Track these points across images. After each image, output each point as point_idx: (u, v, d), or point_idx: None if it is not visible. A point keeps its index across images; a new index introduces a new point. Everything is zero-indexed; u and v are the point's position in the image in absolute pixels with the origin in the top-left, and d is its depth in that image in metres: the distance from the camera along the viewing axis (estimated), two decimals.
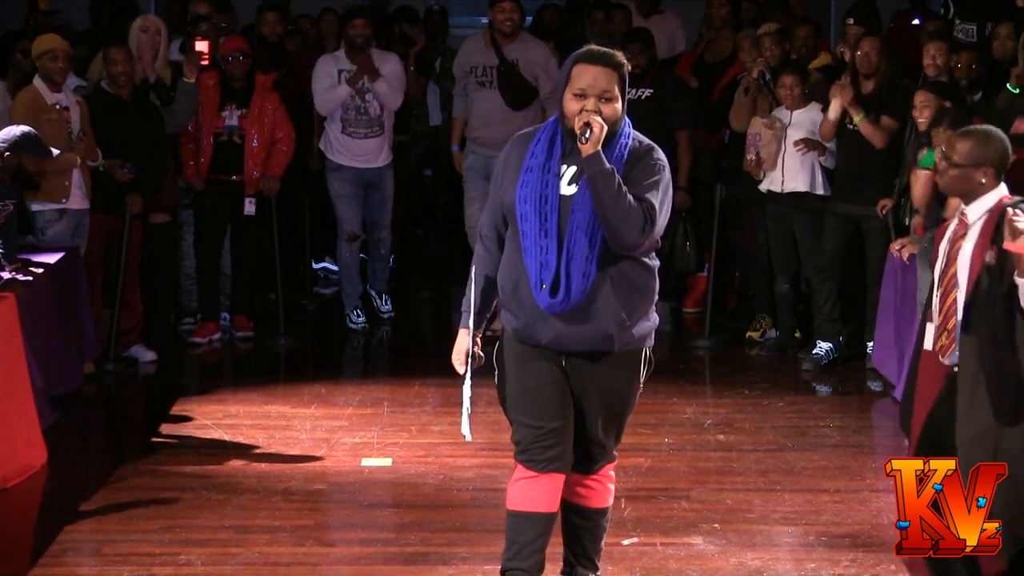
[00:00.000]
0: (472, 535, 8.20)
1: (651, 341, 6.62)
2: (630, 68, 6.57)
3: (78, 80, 11.97)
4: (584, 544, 6.80)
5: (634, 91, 12.14)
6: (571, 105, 6.30)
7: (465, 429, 6.60)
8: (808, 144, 11.40)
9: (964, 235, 6.79)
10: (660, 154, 6.53)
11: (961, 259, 6.80)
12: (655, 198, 6.31)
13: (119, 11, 14.12)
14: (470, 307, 6.57)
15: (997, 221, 6.57)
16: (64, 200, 10.95)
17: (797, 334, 12.14)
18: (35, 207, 10.79)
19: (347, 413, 10.56)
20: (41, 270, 10.17)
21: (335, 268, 13.80)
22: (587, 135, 6.13)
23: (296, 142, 12.57)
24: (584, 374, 6.46)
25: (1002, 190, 6.77)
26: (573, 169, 6.32)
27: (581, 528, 6.79)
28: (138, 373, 11.71)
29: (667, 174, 6.48)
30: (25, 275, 9.91)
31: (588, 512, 6.76)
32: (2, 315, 9.26)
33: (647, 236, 6.26)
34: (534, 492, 6.47)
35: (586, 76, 6.32)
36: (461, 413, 6.58)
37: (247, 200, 12.31)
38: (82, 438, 10.06)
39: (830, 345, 11.72)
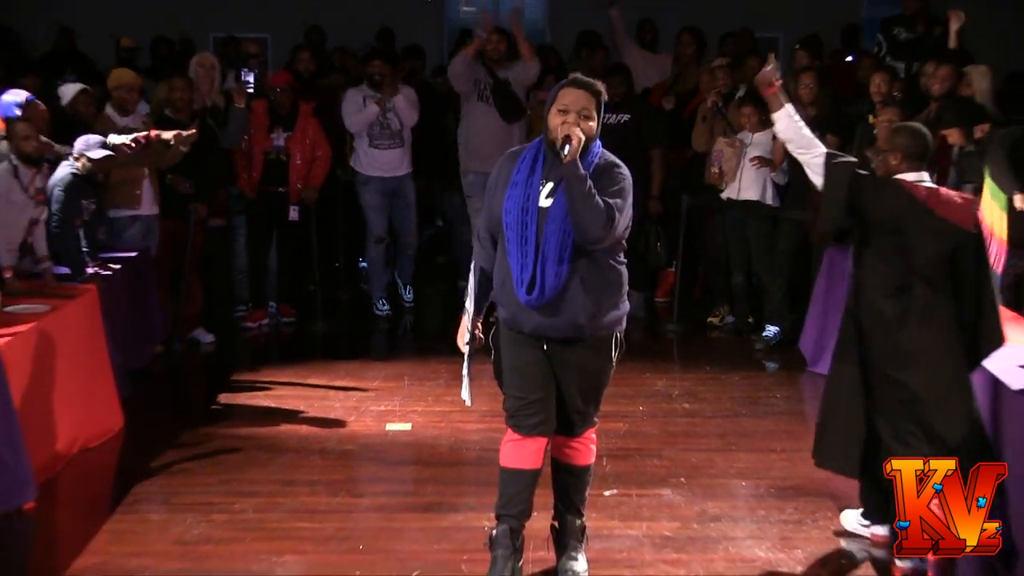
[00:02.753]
0: (478, 487, 8.20)
1: (622, 327, 6.66)
2: (607, 97, 6.57)
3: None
4: (571, 496, 6.88)
5: (614, 116, 12.20)
6: (554, 119, 6.33)
7: (465, 395, 6.75)
8: (762, 161, 11.47)
9: None
10: (623, 169, 6.52)
11: None
12: (616, 201, 6.33)
13: (179, 50, 14.13)
14: (473, 297, 6.71)
15: None
16: (136, 208, 10.98)
17: (750, 320, 12.17)
18: (112, 214, 10.80)
19: (374, 386, 10.59)
20: (118, 266, 10.24)
21: (366, 264, 13.77)
22: (568, 146, 6.18)
23: (330, 159, 12.58)
24: (561, 356, 6.53)
25: (921, 175, 7.07)
26: (551, 185, 6.34)
27: (569, 482, 6.86)
28: (199, 352, 11.72)
29: (628, 184, 6.48)
30: (105, 271, 9.99)
31: (574, 469, 6.83)
32: (86, 303, 9.32)
33: (608, 231, 6.27)
34: (521, 452, 6.59)
35: (569, 96, 6.37)
36: (463, 382, 6.71)
37: (291, 208, 12.35)
38: (152, 407, 10.08)
39: (778, 329, 11.78)
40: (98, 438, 9.14)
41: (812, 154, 7.24)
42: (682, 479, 8.46)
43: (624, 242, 6.55)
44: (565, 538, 6.91)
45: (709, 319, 12.50)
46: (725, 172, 11.79)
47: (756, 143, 11.54)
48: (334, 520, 7.79)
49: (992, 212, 8.72)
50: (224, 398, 10.37)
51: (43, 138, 9.30)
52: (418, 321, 13.23)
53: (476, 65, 12.49)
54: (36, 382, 8.30)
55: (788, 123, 7.33)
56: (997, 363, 7.37)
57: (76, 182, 9.70)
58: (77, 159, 9.76)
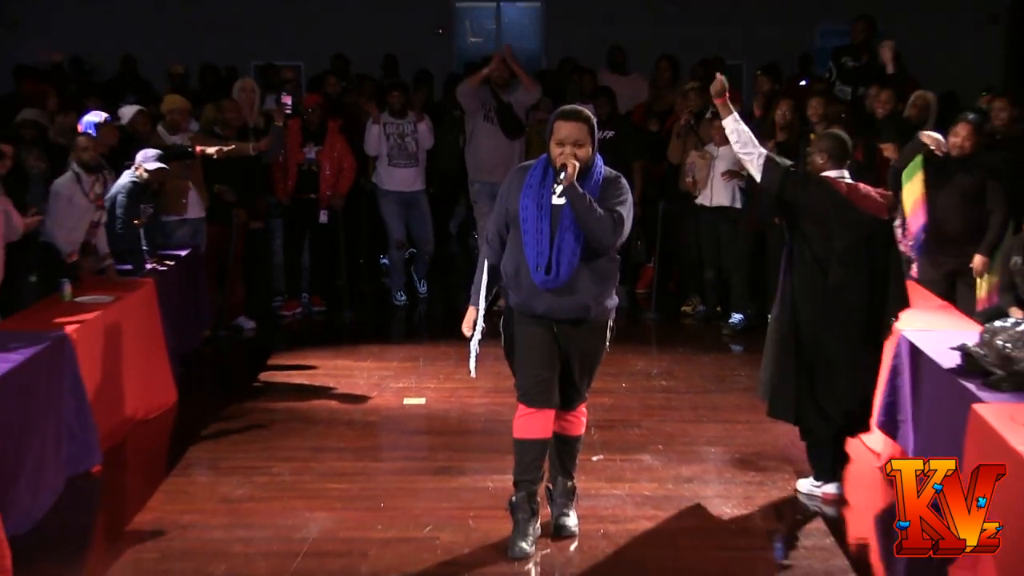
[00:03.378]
0: (483, 454, 8.23)
1: (613, 315, 6.74)
2: (596, 117, 6.63)
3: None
4: (564, 461, 6.93)
5: (600, 132, 12.13)
6: (554, 150, 6.40)
7: (472, 366, 6.75)
8: (730, 174, 11.47)
9: None
10: (624, 181, 6.61)
11: None
12: (621, 210, 6.43)
13: (224, 76, 14.14)
14: (479, 290, 6.74)
15: None
16: (183, 213, 11.00)
17: (718, 308, 12.16)
18: (164, 218, 10.83)
19: (393, 366, 10.60)
20: (172, 263, 10.26)
21: (387, 262, 13.74)
22: (563, 174, 6.26)
23: (355, 170, 12.59)
24: (568, 337, 6.57)
25: (842, 173, 7.46)
26: (560, 187, 6.37)
27: (563, 450, 6.90)
28: (242, 337, 11.73)
29: (629, 195, 6.58)
30: (161, 266, 10.02)
31: (568, 439, 6.88)
32: (145, 294, 9.36)
33: (617, 236, 6.41)
34: (534, 423, 6.60)
35: (563, 130, 6.40)
36: (469, 359, 6.73)
37: (321, 212, 12.35)
38: (201, 384, 10.10)
39: (742, 316, 11.78)
40: (155, 411, 9.18)
41: (753, 154, 7.59)
42: (659, 446, 8.49)
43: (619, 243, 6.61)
44: (558, 497, 6.96)
45: (683, 308, 12.49)
46: (697, 181, 11.80)
47: (723, 155, 11.53)
48: (359, 481, 7.82)
49: (910, 195, 9.03)
50: (263, 376, 10.38)
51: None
52: (431, 311, 13.22)
53: (483, 89, 12.49)
54: (102, 363, 8.33)
55: (734, 127, 7.66)
56: (931, 346, 7.44)
57: (135, 189, 9.74)
58: (136, 169, 9.80)
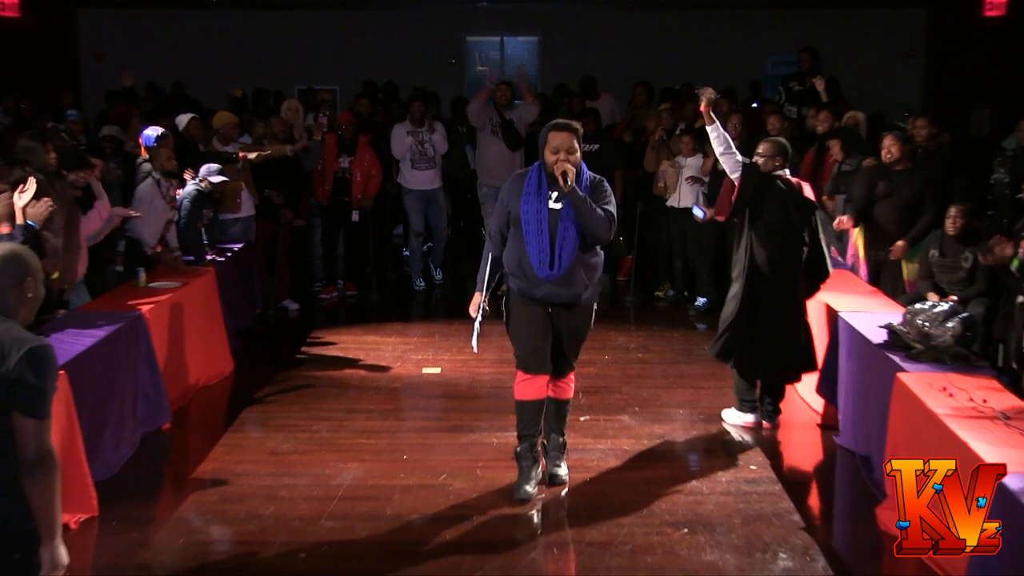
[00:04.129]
0: (489, 414, 8.22)
1: (598, 299, 6.79)
2: (583, 131, 6.64)
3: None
4: (557, 420, 6.95)
5: (587, 145, 12.20)
6: (549, 156, 6.41)
7: (474, 343, 6.73)
8: (693, 179, 11.45)
9: None
10: (607, 184, 6.63)
11: None
12: (611, 209, 6.48)
13: (272, 103, 14.11)
14: (484, 278, 6.73)
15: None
16: (237, 212, 10.98)
17: (686, 293, 12.13)
18: (221, 217, 10.80)
19: (413, 341, 10.58)
20: (229, 254, 10.25)
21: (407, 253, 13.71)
22: (566, 179, 6.27)
23: (381, 177, 12.57)
24: (561, 317, 6.61)
25: (786, 171, 7.88)
26: (556, 193, 6.43)
27: (556, 410, 6.92)
28: (287, 317, 11.71)
29: (612, 196, 6.62)
30: (220, 257, 10.01)
31: (560, 402, 6.91)
32: (206, 280, 9.35)
33: (613, 231, 6.46)
34: (532, 387, 6.63)
35: (556, 139, 6.43)
36: (473, 336, 6.73)
37: (353, 212, 12.31)
38: (253, 356, 10.08)
39: (705, 299, 11.73)
40: (215, 378, 9.17)
41: (733, 157, 7.91)
42: (636, 408, 8.47)
43: None
44: (552, 451, 6.98)
45: (656, 293, 12.45)
46: (668, 186, 11.78)
47: (689, 165, 11.51)
48: (384, 438, 7.81)
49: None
50: (305, 349, 10.37)
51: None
52: (445, 294, 13.20)
53: (488, 107, 12.47)
54: (171, 338, 8.33)
55: (717, 134, 7.93)
56: (862, 324, 7.45)
57: (199, 196, 9.70)
58: (201, 181, 9.78)
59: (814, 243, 7.83)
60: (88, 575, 5.87)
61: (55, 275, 7.47)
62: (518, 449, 6.77)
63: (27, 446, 3.81)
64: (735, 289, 7.92)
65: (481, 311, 6.72)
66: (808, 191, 7.92)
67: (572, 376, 6.95)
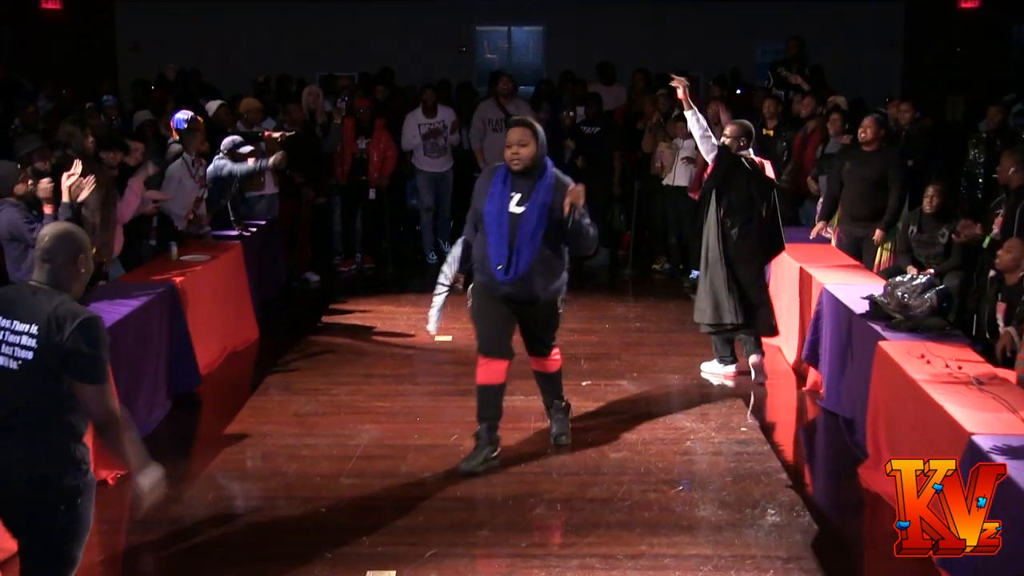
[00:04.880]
0: None
1: (563, 292, 6.53)
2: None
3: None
4: (552, 389, 6.88)
5: (589, 128, 12.18)
6: (506, 152, 6.24)
7: (432, 325, 6.76)
8: (688, 160, 11.36)
9: None
10: (569, 179, 6.34)
11: None
12: (586, 215, 6.27)
13: (295, 90, 14.03)
14: (454, 261, 6.63)
15: None
16: (261, 190, 10.93)
17: (680, 266, 12.05)
18: (247, 194, 10.77)
19: (427, 310, 10.51)
20: (255, 229, 10.21)
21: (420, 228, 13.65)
22: (573, 210, 6.10)
23: (396, 158, 12.51)
24: (523, 312, 6.45)
25: (749, 151, 8.02)
26: (519, 195, 6.19)
27: (548, 382, 6.85)
28: (309, 288, 11.68)
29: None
30: (246, 232, 9.97)
31: (549, 375, 6.83)
32: (234, 254, 9.32)
33: (597, 242, 6.46)
34: (491, 371, 6.50)
35: (510, 135, 6.23)
36: (432, 317, 6.79)
37: (371, 190, 12.27)
38: (277, 324, 10.04)
39: (698, 272, 11.70)
40: (241, 345, 9.14)
41: (708, 140, 8.11)
42: (634, 374, 8.43)
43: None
44: (555, 413, 6.91)
45: (653, 266, 12.38)
46: (664, 167, 11.72)
47: (685, 146, 11.40)
48: (399, 401, 7.78)
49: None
50: (326, 318, 10.32)
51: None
52: None
53: (492, 105, 12.38)
54: (201, 307, 8.29)
55: (694, 119, 8.11)
56: (845, 295, 7.43)
57: (224, 176, 9.72)
58: (226, 152, 9.78)
59: (771, 218, 8.00)
60: (125, 528, 5.88)
61: (93, 251, 7.45)
62: (478, 430, 6.57)
63: (92, 410, 3.90)
64: (714, 258, 7.97)
65: (451, 289, 6.61)
66: (769, 170, 8.16)
67: (556, 351, 6.78)
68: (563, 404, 6.94)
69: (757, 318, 8.04)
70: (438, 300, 6.74)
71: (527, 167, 6.18)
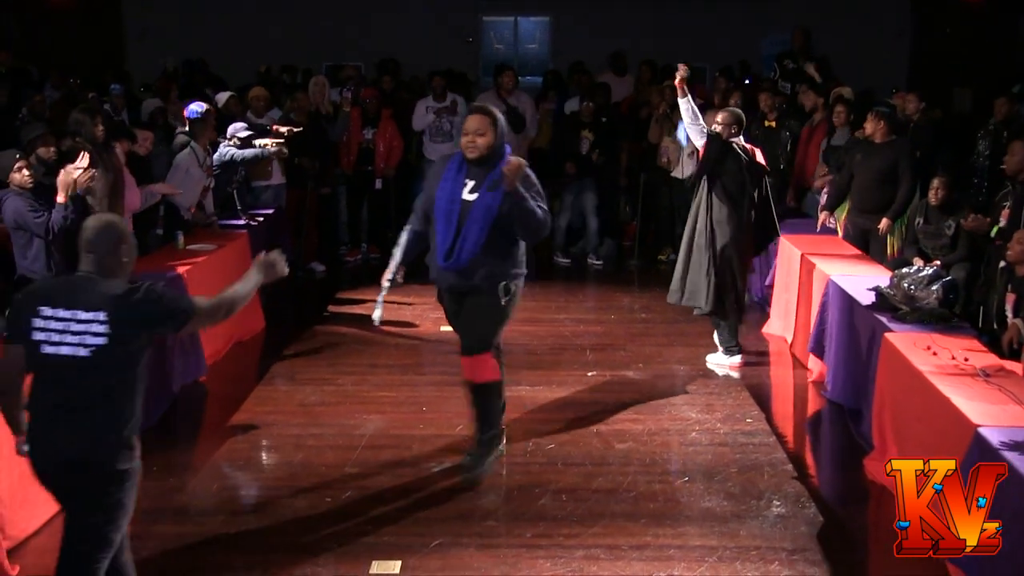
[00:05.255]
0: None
1: (516, 282, 6.09)
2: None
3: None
4: (479, 411, 6.34)
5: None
6: (462, 139, 5.94)
7: (376, 314, 6.38)
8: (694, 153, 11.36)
9: None
10: (533, 175, 5.99)
11: None
12: (544, 205, 5.92)
13: (300, 81, 14.01)
14: (400, 250, 6.30)
15: None
16: (268, 179, 10.93)
17: None
18: (253, 184, 10.78)
19: (431, 300, 10.30)
20: (261, 219, 10.20)
21: None
22: (510, 178, 5.72)
23: (403, 148, 12.50)
24: (465, 301, 6.11)
25: (740, 138, 8.11)
26: (472, 183, 5.87)
27: (476, 400, 6.35)
28: (315, 277, 11.68)
29: (539, 184, 6.00)
30: (252, 221, 9.96)
31: (476, 386, 6.28)
32: (240, 243, 9.31)
33: (548, 226, 5.95)
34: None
35: (468, 122, 5.93)
36: (376, 307, 6.37)
37: (377, 180, 12.26)
38: (283, 313, 10.02)
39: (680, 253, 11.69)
40: (247, 334, 9.13)
41: (698, 127, 8.20)
42: (640, 364, 8.42)
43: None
44: (475, 443, 6.34)
45: (659, 256, 12.35)
46: (671, 160, 11.72)
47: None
48: (405, 391, 7.78)
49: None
50: (331, 308, 10.31)
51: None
52: None
53: (493, 98, 12.35)
54: (207, 296, 8.28)
55: (686, 106, 8.20)
56: (852, 287, 7.42)
57: (229, 162, 9.71)
58: (230, 139, 9.78)
59: (764, 204, 8.17)
60: (131, 517, 5.86)
61: None
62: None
63: (209, 327, 4.44)
64: (701, 243, 8.13)
65: (392, 282, 6.26)
66: (760, 157, 8.21)
67: (485, 358, 6.16)
68: (490, 434, 6.29)
69: (726, 306, 8.19)
70: (381, 296, 6.37)
71: (483, 156, 5.88)
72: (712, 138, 8.05)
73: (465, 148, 5.91)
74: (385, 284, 6.26)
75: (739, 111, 8.36)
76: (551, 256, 12.19)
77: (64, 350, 3.94)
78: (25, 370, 4.05)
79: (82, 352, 3.93)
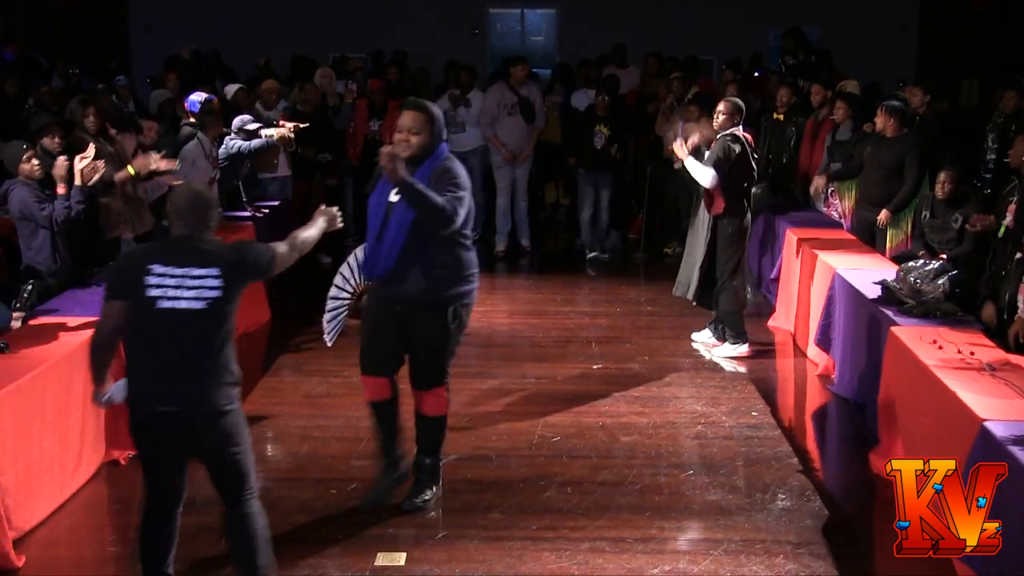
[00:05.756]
0: (506, 362, 8.21)
1: (462, 302, 5.55)
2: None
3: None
4: (420, 437, 5.84)
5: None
6: (395, 136, 5.53)
7: (327, 339, 5.98)
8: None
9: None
10: (455, 172, 5.42)
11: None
12: (458, 194, 5.31)
13: (306, 66, 14.00)
14: (358, 267, 5.94)
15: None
16: (274, 172, 10.93)
17: None
18: (259, 176, 10.79)
19: None
20: (267, 210, 10.20)
21: None
22: (392, 165, 5.19)
23: None
24: (408, 319, 5.50)
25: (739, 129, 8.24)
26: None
27: (418, 426, 5.82)
28: (321, 268, 11.65)
29: (461, 180, 5.41)
30: (258, 213, 9.97)
31: (420, 416, 5.78)
32: (246, 235, 9.26)
33: (453, 217, 5.27)
34: (369, 387, 5.75)
35: (402, 119, 5.51)
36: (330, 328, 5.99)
37: None
38: (289, 305, 10.00)
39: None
40: (254, 326, 9.12)
41: (707, 172, 8.07)
42: (645, 357, 8.42)
43: (465, 231, 5.49)
44: (418, 473, 5.83)
45: (665, 249, 12.33)
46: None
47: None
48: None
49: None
50: None
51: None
52: None
53: (504, 89, 12.31)
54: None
55: (691, 164, 8.20)
56: (858, 280, 7.42)
57: (236, 155, 9.70)
58: (237, 131, 9.78)
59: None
60: (136, 507, 5.87)
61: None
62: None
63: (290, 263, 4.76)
64: (694, 229, 8.45)
65: (354, 295, 5.93)
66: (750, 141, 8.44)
67: (440, 391, 5.69)
68: (431, 463, 5.84)
69: (716, 299, 8.37)
70: (334, 305, 6.01)
71: (414, 155, 5.42)
72: (722, 162, 8.05)
73: (397, 146, 5.46)
74: (340, 299, 5.95)
75: (739, 102, 8.41)
76: (583, 253, 12.08)
77: (182, 304, 4.28)
78: (121, 327, 4.37)
79: (198, 305, 4.29)
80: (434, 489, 5.80)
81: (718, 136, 8.25)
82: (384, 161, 5.21)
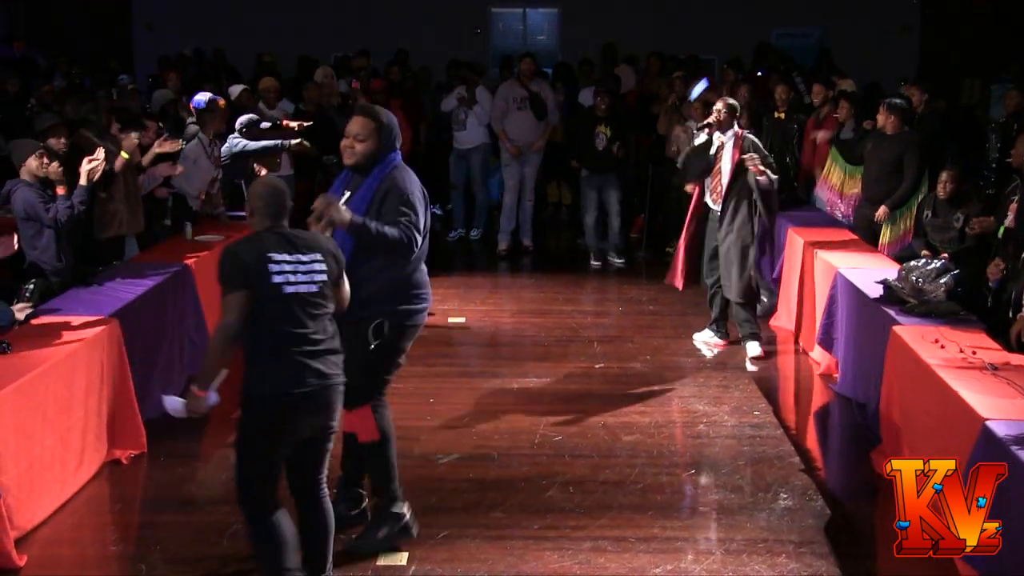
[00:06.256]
0: (509, 361, 8.21)
1: (398, 320, 5.18)
2: (392, 121, 5.17)
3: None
4: (374, 476, 5.44)
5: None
6: (343, 141, 5.23)
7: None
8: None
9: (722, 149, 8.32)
10: (402, 188, 5.08)
11: (724, 163, 8.27)
12: (407, 216, 5.00)
13: (308, 65, 14.01)
14: None
15: (741, 143, 8.18)
16: (277, 171, 10.93)
17: None
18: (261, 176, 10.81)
19: (440, 292, 10.41)
20: None
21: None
22: (333, 217, 4.88)
23: (411, 138, 12.48)
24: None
25: (735, 127, 8.28)
26: (348, 193, 5.14)
27: (361, 459, 5.46)
28: None
29: (411, 196, 5.07)
30: None
31: (351, 439, 5.42)
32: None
33: (411, 245, 5.01)
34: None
35: (351, 124, 5.21)
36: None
37: None
38: None
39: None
40: None
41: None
42: (647, 356, 8.41)
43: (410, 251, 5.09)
44: (374, 513, 5.42)
45: (667, 248, 12.30)
46: (680, 150, 11.66)
47: (700, 130, 11.39)
48: (413, 382, 7.72)
49: (838, 176, 9.85)
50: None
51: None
52: (468, 250, 13.13)
53: (515, 84, 12.29)
54: (216, 286, 8.27)
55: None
56: (860, 280, 7.41)
57: (239, 154, 9.70)
58: (240, 129, 9.78)
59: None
60: (138, 507, 5.89)
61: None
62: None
63: (344, 299, 4.76)
64: (694, 225, 8.61)
65: None
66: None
67: (362, 413, 5.22)
68: (385, 499, 5.31)
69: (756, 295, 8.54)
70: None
71: (358, 163, 5.16)
72: (763, 156, 8.18)
73: (343, 152, 5.23)
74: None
75: (734, 101, 8.50)
76: (586, 257, 11.98)
77: (302, 288, 4.49)
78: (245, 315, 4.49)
79: (313, 288, 4.52)
80: (380, 535, 5.24)
81: (721, 135, 8.24)
82: (320, 214, 4.86)
